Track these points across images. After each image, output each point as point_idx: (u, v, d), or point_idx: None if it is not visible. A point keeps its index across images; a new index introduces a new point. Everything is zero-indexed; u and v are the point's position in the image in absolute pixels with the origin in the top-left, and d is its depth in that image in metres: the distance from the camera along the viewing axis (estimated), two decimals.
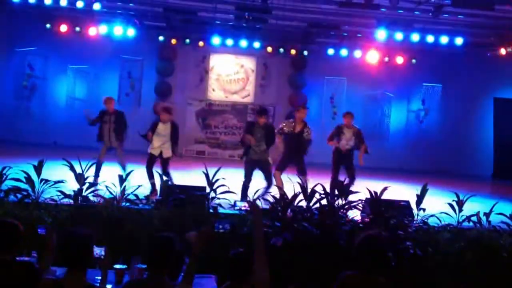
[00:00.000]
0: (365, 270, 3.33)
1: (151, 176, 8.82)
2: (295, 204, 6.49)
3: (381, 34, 13.07)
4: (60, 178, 6.72)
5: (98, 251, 3.88)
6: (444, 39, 13.77)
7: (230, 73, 16.74)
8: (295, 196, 6.50)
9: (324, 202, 6.64)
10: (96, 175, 8.85)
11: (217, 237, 3.61)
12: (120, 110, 9.96)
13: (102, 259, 3.96)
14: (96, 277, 4.25)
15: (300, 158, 9.09)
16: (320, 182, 6.76)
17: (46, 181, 6.45)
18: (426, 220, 6.86)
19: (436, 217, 6.98)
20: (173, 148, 9.08)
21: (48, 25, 14.86)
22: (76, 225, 5.64)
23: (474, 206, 7.44)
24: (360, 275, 3.34)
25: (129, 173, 6.99)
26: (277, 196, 6.80)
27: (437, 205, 7.54)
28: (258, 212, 3.93)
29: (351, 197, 6.84)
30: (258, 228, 3.82)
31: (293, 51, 15.56)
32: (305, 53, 15.67)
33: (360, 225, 6.39)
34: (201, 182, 7.39)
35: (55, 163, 7.20)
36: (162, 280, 3.67)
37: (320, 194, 6.58)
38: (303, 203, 6.56)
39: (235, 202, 4.88)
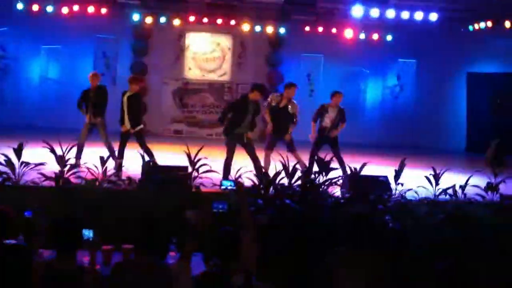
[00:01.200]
0: (354, 246, 3.44)
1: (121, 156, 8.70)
2: (277, 182, 6.58)
3: (357, 10, 13.14)
4: (38, 160, 6.68)
5: (87, 233, 3.92)
6: (418, 15, 13.90)
7: (207, 52, 16.64)
8: (277, 174, 6.59)
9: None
10: (78, 157, 8.73)
11: (214, 216, 3.67)
12: (102, 85, 9.50)
13: (91, 240, 4.00)
14: (84, 258, 4.29)
15: (286, 135, 8.95)
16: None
17: (27, 164, 6.42)
18: (404, 194, 7.03)
19: (414, 191, 7.16)
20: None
21: (20, 5, 14.52)
22: (59, 207, 5.66)
23: (449, 179, 7.63)
24: (350, 251, 3.45)
25: (110, 155, 6.98)
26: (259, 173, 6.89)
27: (413, 179, 7.72)
28: (244, 191, 4.01)
29: (332, 174, 6.96)
30: (244, 206, 3.90)
31: (269, 29, 15.52)
32: (282, 30, 15.66)
33: (341, 201, 6.52)
34: (181, 161, 7.42)
35: (33, 144, 7.14)
36: (151, 260, 3.73)
37: (302, 171, 6.69)
38: (285, 181, 6.66)
39: (221, 181, 4.90)
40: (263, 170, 7.51)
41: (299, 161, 8.40)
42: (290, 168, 6.68)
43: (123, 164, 8.46)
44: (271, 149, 8.79)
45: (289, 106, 8.98)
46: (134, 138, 8.86)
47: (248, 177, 6.74)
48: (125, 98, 8.85)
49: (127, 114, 8.78)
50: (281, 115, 8.93)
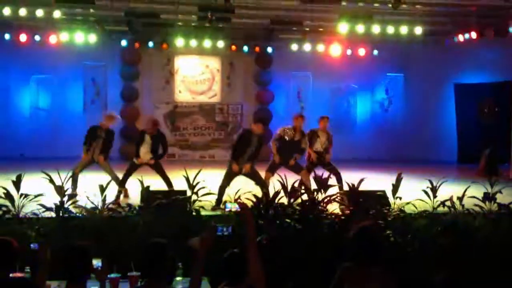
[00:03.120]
0: (362, 261, 3.47)
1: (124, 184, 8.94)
2: (277, 201, 6.60)
3: (343, 27, 13.32)
4: (35, 191, 6.64)
5: (96, 262, 3.91)
6: (403, 29, 14.09)
7: (196, 74, 16.75)
8: (277, 193, 6.62)
9: (304, 197, 6.77)
10: (74, 187, 8.68)
11: (219, 240, 3.69)
12: (112, 129, 9.63)
13: (100, 270, 3.99)
14: None
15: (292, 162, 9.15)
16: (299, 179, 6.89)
17: (26, 195, 6.39)
18: (403, 208, 7.06)
19: (412, 204, 7.19)
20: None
21: (7, 36, 14.57)
22: (61, 238, 5.64)
23: (446, 191, 7.67)
24: (357, 266, 3.47)
25: (108, 182, 6.96)
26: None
27: (410, 192, 7.76)
28: (249, 212, 4.02)
29: (330, 191, 7.00)
30: (250, 228, 3.90)
31: (257, 49, 15.69)
32: (269, 50, 15.81)
33: (342, 217, 6.54)
34: (178, 185, 7.39)
35: (27, 175, 7.09)
36: (158, 287, 3.73)
37: (300, 190, 6.72)
38: (285, 200, 6.68)
39: (225, 203, 4.86)
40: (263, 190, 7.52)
41: (305, 181, 8.44)
42: (289, 188, 6.71)
43: (125, 192, 8.70)
44: (272, 173, 8.84)
45: (303, 142, 9.22)
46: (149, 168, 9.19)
47: (247, 197, 6.75)
48: (147, 137, 9.09)
49: (150, 149, 9.06)
50: (288, 147, 9.11)
